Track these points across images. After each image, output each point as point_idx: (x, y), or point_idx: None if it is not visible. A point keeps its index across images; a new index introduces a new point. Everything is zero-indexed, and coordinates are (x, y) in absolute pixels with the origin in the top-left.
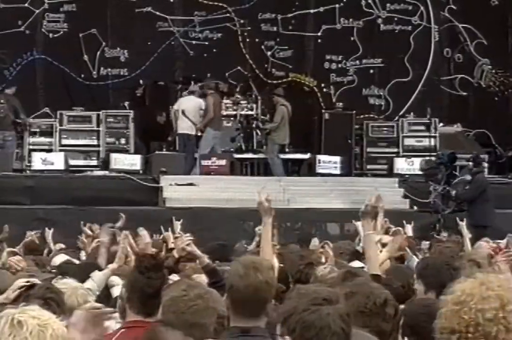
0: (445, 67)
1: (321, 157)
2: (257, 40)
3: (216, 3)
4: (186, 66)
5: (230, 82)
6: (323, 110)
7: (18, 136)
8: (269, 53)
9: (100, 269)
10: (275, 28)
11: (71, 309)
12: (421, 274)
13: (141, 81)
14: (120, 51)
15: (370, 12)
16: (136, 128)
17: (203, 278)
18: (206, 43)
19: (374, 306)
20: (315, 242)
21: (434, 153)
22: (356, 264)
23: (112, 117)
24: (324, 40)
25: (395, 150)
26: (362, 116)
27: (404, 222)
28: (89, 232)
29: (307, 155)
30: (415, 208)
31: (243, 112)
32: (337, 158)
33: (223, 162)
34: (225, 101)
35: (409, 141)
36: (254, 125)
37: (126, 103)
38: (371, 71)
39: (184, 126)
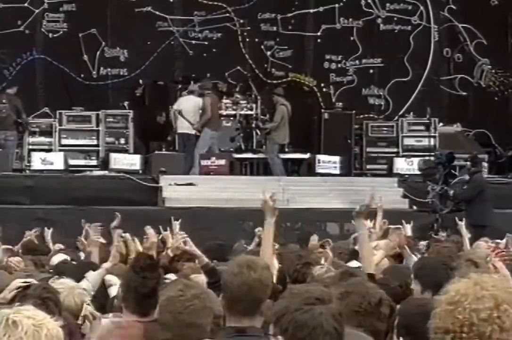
0: (445, 67)
1: (320, 157)
2: (256, 40)
3: (215, 3)
4: (185, 66)
5: (230, 82)
6: (322, 110)
7: (20, 136)
8: (268, 53)
9: (96, 269)
10: (274, 28)
11: (68, 309)
12: (418, 274)
13: (140, 81)
14: (119, 51)
15: (370, 12)
16: (136, 128)
17: (201, 278)
18: (206, 43)
19: (369, 305)
20: (314, 238)
21: (434, 153)
22: (354, 263)
23: (111, 117)
24: (324, 40)
25: (395, 150)
26: (361, 116)
27: (404, 221)
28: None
29: (306, 155)
30: (415, 207)
31: (242, 112)
32: (337, 158)
33: (222, 162)
34: (224, 101)
35: (408, 141)
36: (254, 125)
37: (126, 103)
38: (371, 71)
39: (184, 126)
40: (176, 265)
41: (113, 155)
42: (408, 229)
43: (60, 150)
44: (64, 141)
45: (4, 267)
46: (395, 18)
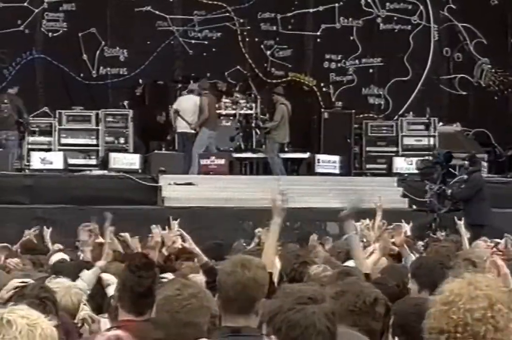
0: (445, 67)
1: (320, 156)
2: (256, 39)
3: (215, 3)
4: (185, 65)
5: (230, 82)
6: (322, 110)
7: (21, 136)
8: (268, 52)
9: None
10: (274, 28)
11: (65, 309)
12: (415, 273)
13: (140, 81)
14: (119, 50)
15: (370, 12)
16: (135, 128)
17: (199, 278)
18: (206, 42)
19: (364, 305)
20: (314, 238)
21: (431, 153)
22: (351, 263)
23: (111, 116)
24: (324, 40)
25: (394, 149)
26: (361, 115)
27: (403, 221)
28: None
29: (306, 155)
30: (414, 207)
31: (242, 112)
32: (336, 158)
33: (222, 161)
34: (224, 100)
35: (408, 141)
36: (254, 125)
37: (126, 103)
38: (371, 70)
39: (184, 126)
40: (174, 264)
41: (112, 155)
42: (407, 229)
43: (59, 149)
44: (63, 141)
45: (2, 266)
46: (395, 18)
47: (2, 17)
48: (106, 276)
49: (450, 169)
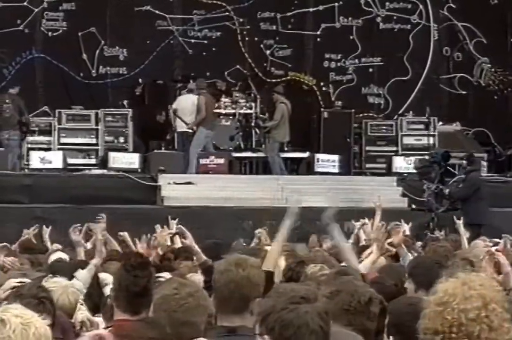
0: (445, 66)
1: (319, 156)
2: (256, 39)
3: (215, 2)
4: (185, 65)
5: (229, 81)
6: (322, 109)
7: (22, 136)
8: (268, 52)
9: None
10: (274, 27)
11: (62, 308)
12: (412, 273)
13: (140, 80)
14: (119, 50)
15: (369, 11)
16: (135, 127)
17: (197, 277)
18: (205, 42)
19: (358, 304)
20: (313, 239)
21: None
22: None
23: (111, 116)
24: (323, 39)
25: (394, 149)
26: (361, 115)
27: (402, 221)
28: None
29: (306, 154)
30: (413, 206)
31: (242, 111)
32: (336, 157)
33: (221, 161)
34: (224, 100)
35: (408, 140)
36: (253, 124)
37: (125, 102)
38: (370, 70)
39: (183, 125)
40: (173, 263)
41: (112, 154)
42: (406, 228)
43: (59, 149)
44: (63, 140)
45: (0, 266)
46: (395, 17)
47: (1, 17)
48: (103, 276)
49: (448, 168)
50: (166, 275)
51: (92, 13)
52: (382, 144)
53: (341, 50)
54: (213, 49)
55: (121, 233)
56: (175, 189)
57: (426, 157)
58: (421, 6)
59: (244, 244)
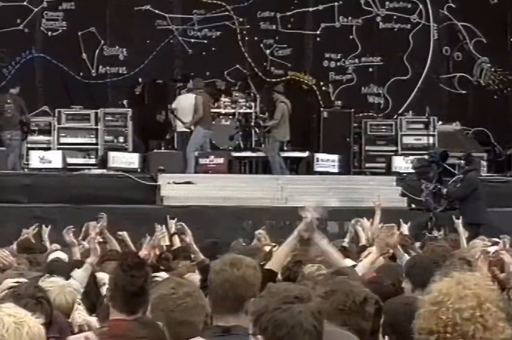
0: (444, 66)
1: (319, 155)
2: (256, 38)
3: (215, 2)
4: (185, 64)
5: (229, 81)
6: (321, 109)
7: (24, 136)
8: (268, 51)
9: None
10: (274, 27)
11: (59, 308)
12: (409, 273)
13: (140, 80)
14: (118, 49)
15: (369, 10)
16: (135, 127)
17: (195, 277)
18: (205, 41)
19: (353, 304)
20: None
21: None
22: (347, 262)
23: (110, 115)
24: (323, 39)
25: (394, 148)
26: (360, 114)
27: (401, 220)
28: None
29: (305, 154)
30: (413, 206)
31: (241, 111)
32: (335, 157)
33: (221, 160)
34: (223, 99)
35: (407, 140)
36: (253, 123)
37: (125, 102)
38: (370, 69)
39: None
40: (171, 263)
41: (111, 154)
42: (405, 228)
43: (58, 148)
44: (62, 140)
45: None
46: (395, 17)
47: (1, 16)
48: (101, 275)
49: (447, 168)
50: (163, 274)
51: (91, 13)
52: (381, 144)
53: (341, 50)
54: (213, 48)
55: (119, 233)
56: (174, 189)
57: (425, 157)
58: (421, 6)
59: (244, 244)
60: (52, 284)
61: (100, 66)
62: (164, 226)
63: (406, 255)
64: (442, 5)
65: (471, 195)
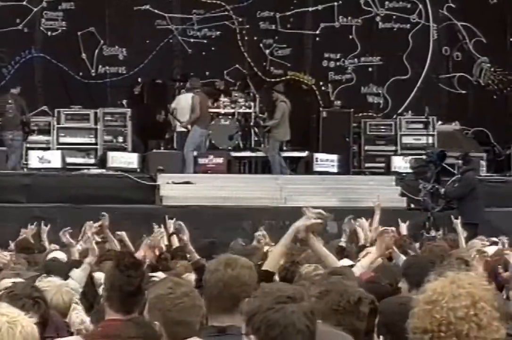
0: (444, 66)
1: (318, 155)
2: (255, 38)
3: (214, 1)
4: (184, 64)
5: (228, 80)
6: (321, 109)
7: (25, 136)
8: (267, 51)
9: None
10: (273, 26)
11: (56, 307)
12: (406, 273)
13: (139, 79)
14: (118, 49)
15: (369, 10)
16: (134, 127)
17: (193, 277)
18: (205, 41)
19: (347, 304)
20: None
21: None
22: (345, 262)
23: (110, 115)
24: (323, 38)
25: (393, 148)
26: (360, 114)
27: (399, 220)
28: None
29: (304, 154)
30: (412, 205)
31: (241, 111)
32: (335, 157)
33: (220, 160)
34: (223, 99)
35: (407, 140)
36: (253, 123)
37: (124, 101)
38: (370, 69)
39: None
40: (169, 263)
41: (110, 154)
42: (403, 228)
43: (58, 148)
44: (62, 140)
45: None
46: (394, 17)
47: (1, 16)
48: (98, 275)
49: (445, 168)
50: (160, 274)
51: (91, 13)
52: (381, 143)
53: (341, 50)
54: (212, 48)
55: (118, 233)
56: (174, 189)
57: (422, 157)
58: (420, 6)
59: (243, 243)
60: (49, 283)
61: (100, 66)
62: (162, 226)
63: (402, 255)
64: (442, 5)
65: (469, 195)
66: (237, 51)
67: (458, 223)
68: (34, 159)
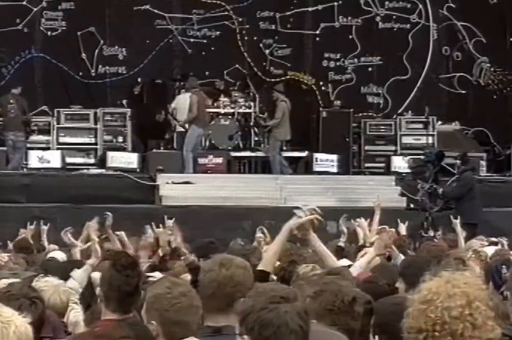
0: (444, 65)
1: (318, 155)
2: (255, 38)
3: (214, 1)
4: (184, 64)
5: (228, 80)
6: (321, 109)
7: (26, 136)
8: (267, 51)
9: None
10: (273, 26)
11: (54, 307)
12: (403, 273)
13: (139, 79)
14: (118, 49)
15: (369, 10)
16: (134, 126)
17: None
18: (204, 41)
19: (342, 304)
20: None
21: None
22: (344, 262)
23: (109, 115)
24: (323, 38)
25: (393, 148)
26: (360, 114)
27: (399, 220)
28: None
29: (304, 154)
30: (412, 205)
31: (241, 111)
32: (334, 157)
33: (220, 160)
34: (222, 99)
35: (407, 140)
36: (253, 123)
37: (124, 101)
38: (370, 69)
39: None
40: (168, 263)
41: (110, 154)
42: (402, 228)
43: (58, 148)
44: (62, 140)
45: None
46: (394, 17)
47: (1, 16)
48: (96, 275)
49: (444, 167)
50: (158, 274)
51: (91, 13)
52: (381, 143)
53: (340, 50)
54: (212, 48)
55: (117, 232)
56: (173, 189)
57: (421, 157)
58: (420, 6)
59: (243, 243)
60: (46, 283)
61: (100, 66)
62: (155, 228)
63: (401, 255)
64: (442, 5)
65: (467, 195)
66: (237, 51)
67: (457, 223)
68: (34, 159)
